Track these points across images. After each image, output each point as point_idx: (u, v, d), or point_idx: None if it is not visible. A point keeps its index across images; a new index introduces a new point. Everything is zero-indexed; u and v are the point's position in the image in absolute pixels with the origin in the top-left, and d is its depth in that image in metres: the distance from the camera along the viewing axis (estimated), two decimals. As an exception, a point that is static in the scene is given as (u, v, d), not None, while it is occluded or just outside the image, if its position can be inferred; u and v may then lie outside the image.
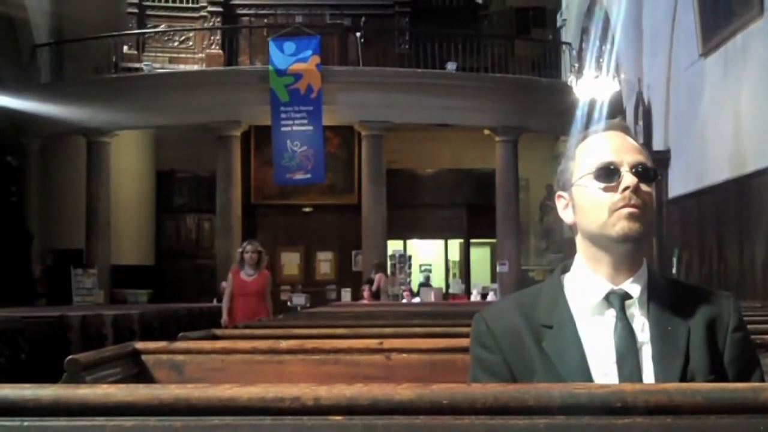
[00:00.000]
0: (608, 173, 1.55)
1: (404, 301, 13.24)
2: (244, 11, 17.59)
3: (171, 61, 16.91)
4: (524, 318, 1.56)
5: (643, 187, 1.54)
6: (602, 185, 1.55)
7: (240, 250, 8.75)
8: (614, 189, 1.53)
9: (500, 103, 15.75)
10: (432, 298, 13.19)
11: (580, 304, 1.57)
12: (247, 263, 8.50)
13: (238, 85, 15.52)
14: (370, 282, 13.88)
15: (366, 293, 13.64)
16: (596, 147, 1.60)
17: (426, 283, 15.62)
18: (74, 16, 15.94)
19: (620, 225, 1.52)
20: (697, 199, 9.88)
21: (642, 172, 1.55)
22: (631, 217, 1.52)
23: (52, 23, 16.32)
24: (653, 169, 1.57)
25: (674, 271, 10.20)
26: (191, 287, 16.83)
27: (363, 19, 16.95)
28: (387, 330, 3.27)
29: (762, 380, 1.55)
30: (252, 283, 8.49)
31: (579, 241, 1.62)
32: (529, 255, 18.26)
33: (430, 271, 17.53)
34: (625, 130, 1.64)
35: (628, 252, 1.55)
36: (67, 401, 1.08)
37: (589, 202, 1.57)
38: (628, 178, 1.53)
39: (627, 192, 1.52)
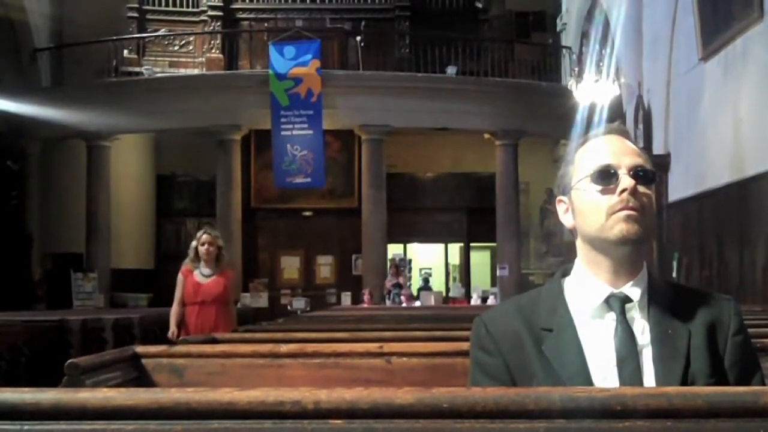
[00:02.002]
0: (606, 176, 1.55)
1: (404, 305, 13.22)
2: (245, 15, 17.59)
3: (171, 65, 16.91)
4: (524, 321, 1.56)
5: (642, 189, 1.54)
6: (600, 188, 1.55)
7: (194, 242, 6.61)
8: (612, 191, 1.54)
9: (500, 106, 15.76)
10: (432, 302, 13.17)
11: (580, 308, 1.56)
12: (202, 259, 6.51)
13: (239, 89, 15.53)
14: (399, 286, 13.87)
15: (366, 296, 13.65)
16: (595, 150, 1.60)
17: (426, 286, 15.60)
18: (75, 20, 15.96)
19: (618, 228, 1.52)
20: (698, 202, 9.88)
21: (640, 174, 1.55)
22: (629, 219, 1.51)
23: (52, 27, 16.34)
24: (652, 171, 1.57)
25: (674, 274, 10.20)
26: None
27: (363, 23, 16.95)
28: (387, 334, 3.27)
29: (762, 384, 1.55)
30: (210, 286, 6.50)
31: (579, 244, 1.62)
32: (529, 258, 18.25)
33: (429, 274, 17.50)
34: (623, 133, 1.65)
35: (628, 255, 1.55)
36: (67, 405, 1.08)
37: (588, 205, 1.57)
38: (625, 181, 1.53)
39: (625, 194, 1.52)
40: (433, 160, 18.08)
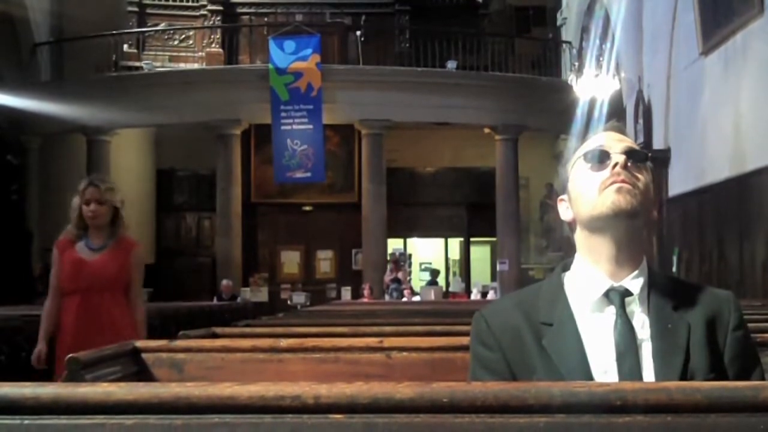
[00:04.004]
0: (598, 155, 1.59)
1: (405, 299, 13.24)
2: (244, 10, 17.59)
3: (171, 59, 16.90)
4: (524, 316, 1.57)
5: (635, 168, 1.58)
6: (593, 166, 1.59)
7: (75, 198, 4.30)
8: (604, 168, 1.58)
9: (500, 101, 15.75)
10: (432, 297, 13.19)
11: (580, 302, 1.57)
12: (89, 225, 4.30)
13: (239, 84, 15.52)
14: (399, 281, 13.89)
15: (366, 291, 13.66)
16: (590, 141, 1.65)
17: (433, 281, 15.64)
18: (74, 15, 15.94)
19: (610, 199, 1.54)
20: (698, 197, 9.88)
21: (631, 152, 1.59)
22: (620, 190, 1.54)
23: (52, 22, 16.32)
24: (644, 152, 1.62)
25: (674, 269, 10.20)
26: (191, 286, 16.84)
27: (363, 17, 16.95)
28: (387, 328, 3.26)
29: (762, 379, 1.55)
30: (100, 264, 4.24)
31: (578, 234, 1.63)
32: (529, 253, 18.26)
33: (438, 271, 17.41)
34: (619, 129, 1.69)
35: (624, 233, 1.56)
36: (67, 399, 1.08)
37: (581, 184, 1.60)
38: (616, 157, 1.57)
39: (617, 168, 1.56)
40: (433, 154, 18.09)
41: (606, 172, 1.56)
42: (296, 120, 15.31)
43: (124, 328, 4.18)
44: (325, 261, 18.22)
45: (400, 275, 14.16)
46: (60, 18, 16.41)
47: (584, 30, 15.35)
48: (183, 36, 17.20)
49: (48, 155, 16.26)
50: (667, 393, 1.06)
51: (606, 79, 12.09)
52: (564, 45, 16.77)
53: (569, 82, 13.37)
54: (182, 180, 18.47)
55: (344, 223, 17.25)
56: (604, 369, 1.50)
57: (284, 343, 2.38)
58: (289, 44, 15.35)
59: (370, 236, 15.67)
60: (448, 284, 17.34)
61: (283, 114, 15.31)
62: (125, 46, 16.68)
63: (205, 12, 17.21)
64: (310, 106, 15.27)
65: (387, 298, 13.66)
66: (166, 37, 17.16)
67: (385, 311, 6.48)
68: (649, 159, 1.62)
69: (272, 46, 15.38)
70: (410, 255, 18.43)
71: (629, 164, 1.56)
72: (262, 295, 15.37)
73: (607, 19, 13.17)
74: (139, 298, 4.44)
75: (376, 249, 15.57)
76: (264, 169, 17.09)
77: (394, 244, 17.18)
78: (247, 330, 3.47)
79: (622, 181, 1.54)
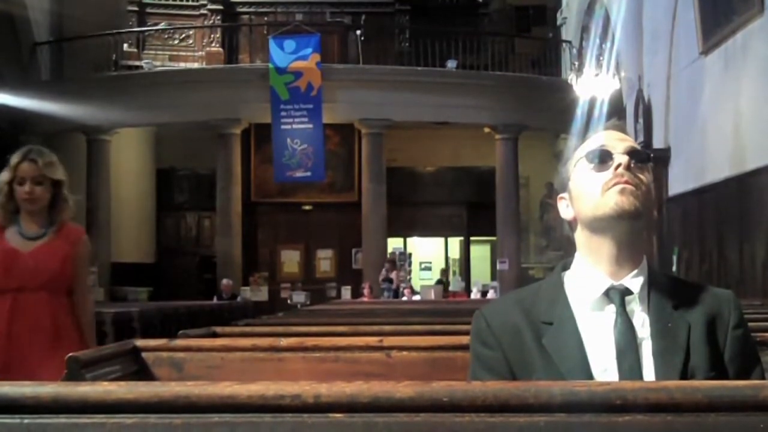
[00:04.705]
0: (601, 155, 1.59)
1: (404, 298, 13.24)
2: (244, 9, 17.59)
3: (171, 59, 16.90)
4: (524, 315, 1.57)
5: (638, 169, 1.57)
6: (595, 166, 1.58)
7: (5, 172, 3.47)
8: (607, 169, 1.57)
9: (500, 100, 15.75)
10: (432, 296, 13.19)
11: (580, 300, 1.57)
12: (23, 209, 3.46)
13: (239, 83, 15.51)
14: (390, 281, 13.90)
15: (366, 290, 13.66)
16: (591, 140, 1.65)
17: (441, 281, 15.68)
18: (74, 14, 15.93)
19: (613, 200, 1.54)
20: (698, 197, 9.87)
21: (634, 153, 1.58)
22: (624, 191, 1.54)
23: (52, 21, 16.31)
24: (646, 152, 1.62)
25: (674, 268, 10.19)
26: (191, 285, 16.85)
27: (363, 17, 16.95)
28: (387, 328, 3.26)
29: (762, 378, 1.55)
30: (38, 256, 3.42)
31: (579, 234, 1.63)
32: (529, 253, 18.26)
33: (447, 271, 17.36)
34: (620, 128, 1.69)
35: (626, 234, 1.56)
36: (67, 398, 1.08)
37: (584, 184, 1.60)
38: (619, 158, 1.57)
39: (620, 169, 1.55)
40: (433, 154, 18.08)
41: (609, 173, 1.56)
42: (296, 119, 15.31)
43: (68, 336, 3.46)
44: (325, 260, 18.22)
45: (393, 275, 14.16)
46: (60, 17, 16.40)
47: (584, 29, 15.34)
48: (183, 35, 17.20)
49: (48, 155, 16.24)
50: (668, 392, 1.06)
51: (606, 79, 12.08)
52: (564, 44, 16.76)
53: (569, 81, 13.36)
54: (182, 179, 18.47)
55: (344, 222, 17.25)
56: (604, 367, 1.50)
57: (284, 342, 2.38)
58: (289, 43, 15.35)
59: (370, 235, 15.67)
60: (448, 283, 17.34)
61: (283, 113, 15.30)
62: (125, 46, 16.68)
63: (205, 11, 17.21)
64: (310, 106, 15.27)
65: (382, 297, 13.68)
66: (166, 36, 17.16)
67: (384, 310, 6.47)
68: (651, 159, 1.61)
69: (272, 45, 15.37)
70: (410, 254, 18.43)
71: (632, 165, 1.57)
72: (262, 294, 15.36)
73: (607, 19, 13.17)
74: (87, 299, 3.64)
75: (376, 248, 15.57)
76: (264, 168, 17.09)
77: (394, 244, 17.17)
78: (247, 329, 3.47)
79: (625, 182, 1.54)
